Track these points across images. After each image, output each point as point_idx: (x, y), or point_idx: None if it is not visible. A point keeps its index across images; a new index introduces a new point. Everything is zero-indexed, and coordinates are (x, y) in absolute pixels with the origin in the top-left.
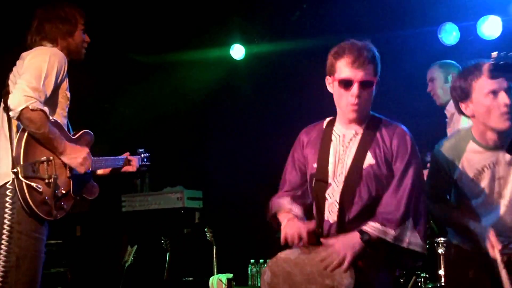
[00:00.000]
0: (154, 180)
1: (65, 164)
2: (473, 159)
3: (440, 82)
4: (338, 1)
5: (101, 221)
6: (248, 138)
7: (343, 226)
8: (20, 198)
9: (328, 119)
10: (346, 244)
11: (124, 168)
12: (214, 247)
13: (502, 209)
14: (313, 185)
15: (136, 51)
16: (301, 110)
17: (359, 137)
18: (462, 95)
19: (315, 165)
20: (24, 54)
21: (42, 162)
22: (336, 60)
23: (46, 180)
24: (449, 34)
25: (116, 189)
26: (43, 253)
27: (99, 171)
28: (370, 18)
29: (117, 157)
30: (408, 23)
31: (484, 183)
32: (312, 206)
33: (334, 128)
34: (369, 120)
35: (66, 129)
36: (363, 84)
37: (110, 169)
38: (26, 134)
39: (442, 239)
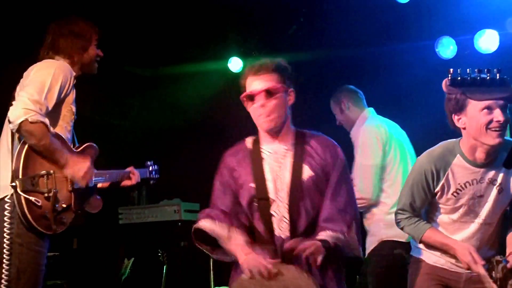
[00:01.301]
0: (151, 192)
1: (66, 178)
2: (457, 174)
3: (339, 114)
4: (335, 14)
5: (98, 233)
6: None
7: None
8: (19, 212)
9: (249, 138)
10: (314, 244)
11: (123, 183)
12: (211, 260)
13: (475, 228)
14: (255, 204)
15: (134, 64)
16: (298, 122)
17: (291, 152)
18: (456, 107)
19: (252, 185)
20: (31, 67)
21: (42, 175)
22: (244, 81)
23: (46, 194)
24: (446, 48)
25: (113, 202)
26: (44, 266)
27: (98, 184)
28: (367, 31)
29: (121, 170)
30: (405, 36)
31: (463, 200)
32: (250, 225)
33: (262, 146)
34: (296, 135)
35: (70, 143)
36: (267, 93)
37: (109, 182)
38: (26, 147)
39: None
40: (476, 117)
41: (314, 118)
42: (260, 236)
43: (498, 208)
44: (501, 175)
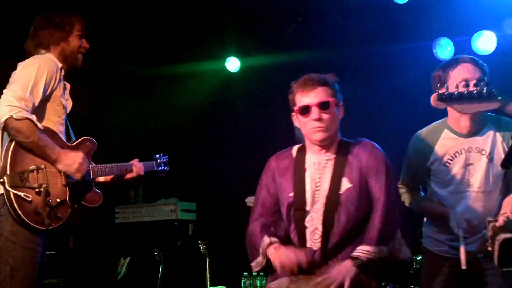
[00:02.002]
0: (148, 192)
1: (60, 172)
2: (447, 145)
3: None
4: (333, 15)
5: (94, 232)
6: (242, 151)
7: (326, 252)
8: (9, 208)
9: (296, 147)
10: (342, 270)
11: (127, 176)
12: (208, 260)
13: (471, 198)
14: (291, 214)
15: (132, 63)
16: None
17: (332, 162)
18: (439, 83)
19: (291, 194)
20: (18, 64)
21: (32, 171)
22: (293, 95)
23: (36, 189)
24: (444, 49)
25: (110, 201)
26: (39, 264)
27: (101, 179)
28: (365, 32)
29: (123, 164)
30: (403, 37)
31: (455, 169)
32: (287, 235)
33: (306, 156)
34: (339, 145)
35: (63, 137)
36: (321, 106)
37: (112, 176)
38: (13, 143)
39: None
40: (456, 88)
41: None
42: (293, 246)
43: (492, 176)
44: (488, 145)
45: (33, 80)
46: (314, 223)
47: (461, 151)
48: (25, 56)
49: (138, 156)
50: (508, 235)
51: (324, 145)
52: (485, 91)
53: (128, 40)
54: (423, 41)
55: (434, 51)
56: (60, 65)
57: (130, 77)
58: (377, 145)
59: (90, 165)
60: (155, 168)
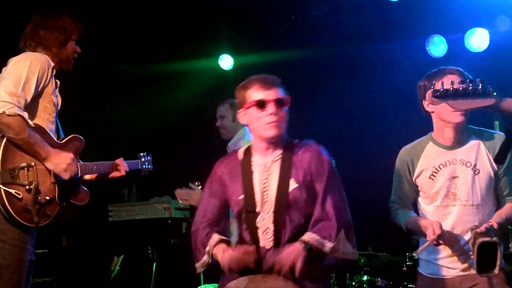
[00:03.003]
0: (141, 190)
1: (49, 170)
2: (431, 157)
3: (229, 121)
4: (326, 13)
5: (87, 230)
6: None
7: (279, 250)
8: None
9: (242, 149)
10: (293, 251)
11: (112, 174)
12: None
13: (458, 211)
14: (243, 216)
15: (125, 61)
16: (290, 120)
17: (278, 163)
18: (424, 93)
19: (241, 197)
20: (9, 60)
21: (22, 168)
22: (246, 90)
23: (27, 187)
24: (437, 46)
25: (103, 199)
26: (28, 263)
27: (86, 177)
28: (358, 30)
29: (108, 162)
30: (396, 35)
31: (440, 182)
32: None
33: (252, 158)
34: (285, 146)
35: (53, 135)
36: (277, 102)
37: (96, 174)
38: (4, 140)
39: None
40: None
41: (305, 116)
42: (246, 245)
43: (479, 189)
44: (473, 157)
45: (25, 76)
46: (265, 223)
47: (446, 163)
48: (14, 52)
49: (131, 154)
50: (485, 239)
51: (272, 143)
52: (480, 87)
53: (120, 38)
54: (417, 38)
55: (427, 48)
56: (52, 63)
57: (123, 75)
58: (322, 148)
59: (78, 163)
60: (139, 166)
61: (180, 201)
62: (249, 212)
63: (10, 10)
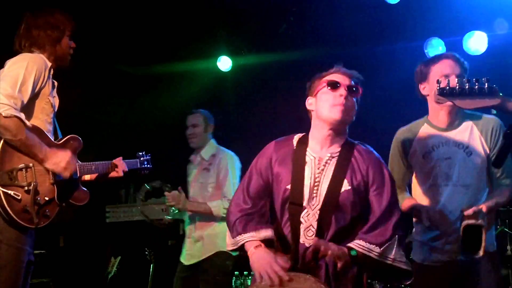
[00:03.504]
0: (139, 191)
1: (48, 170)
2: (424, 139)
3: (201, 130)
4: (325, 15)
5: (84, 231)
6: (234, 149)
7: (319, 249)
8: None
9: (297, 136)
10: (341, 248)
11: (111, 174)
12: None
13: (450, 191)
14: (286, 207)
15: (124, 62)
16: (288, 121)
17: (335, 160)
18: (421, 77)
19: (288, 187)
20: (6, 62)
21: (21, 169)
22: (321, 78)
23: (25, 188)
24: (435, 49)
25: (100, 200)
26: (25, 263)
27: (86, 177)
28: (357, 32)
29: (108, 162)
30: (394, 37)
31: (433, 162)
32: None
33: (308, 148)
34: (344, 144)
35: (51, 135)
36: (349, 88)
37: (96, 174)
38: (1, 142)
39: None
40: (436, 83)
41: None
42: (283, 240)
43: (471, 170)
44: (466, 139)
45: (21, 77)
46: (309, 219)
47: (439, 144)
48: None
49: (129, 154)
50: (471, 221)
51: (332, 135)
52: (486, 86)
53: (119, 39)
54: (415, 41)
55: (425, 51)
56: (49, 64)
57: (122, 76)
58: (380, 158)
59: (77, 164)
60: (138, 166)
61: (168, 204)
62: (294, 205)
63: (9, 10)
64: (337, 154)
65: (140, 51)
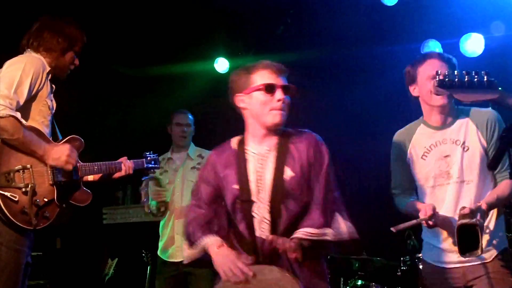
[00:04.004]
0: (136, 192)
1: (47, 171)
2: (421, 139)
3: (191, 130)
4: (322, 16)
5: (81, 233)
6: None
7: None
8: None
9: (235, 139)
10: (287, 241)
11: (116, 174)
12: None
13: (453, 189)
14: (237, 206)
15: (121, 64)
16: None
17: (274, 152)
18: (410, 79)
19: (236, 186)
20: (6, 62)
21: (18, 170)
22: (251, 73)
23: (23, 189)
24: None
25: (97, 202)
26: (24, 265)
27: (89, 178)
28: (354, 33)
29: (111, 162)
30: (391, 39)
31: (432, 162)
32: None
33: (247, 147)
34: (280, 134)
35: (49, 137)
36: (285, 89)
37: (100, 175)
38: None
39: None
40: (424, 84)
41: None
42: (241, 237)
43: (470, 165)
44: (462, 135)
45: (18, 79)
46: (261, 212)
47: (436, 143)
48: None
49: (127, 156)
50: (464, 221)
51: (270, 131)
52: (485, 80)
53: (117, 41)
54: (412, 43)
55: (422, 53)
56: (48, 68)
57: (119, 78)
58: (319, 136)
59: (78, 164)
60: (145, 165)
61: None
62: (244, 202)
63: (8, 11)
64: (275, 145)
65: (137, 53)
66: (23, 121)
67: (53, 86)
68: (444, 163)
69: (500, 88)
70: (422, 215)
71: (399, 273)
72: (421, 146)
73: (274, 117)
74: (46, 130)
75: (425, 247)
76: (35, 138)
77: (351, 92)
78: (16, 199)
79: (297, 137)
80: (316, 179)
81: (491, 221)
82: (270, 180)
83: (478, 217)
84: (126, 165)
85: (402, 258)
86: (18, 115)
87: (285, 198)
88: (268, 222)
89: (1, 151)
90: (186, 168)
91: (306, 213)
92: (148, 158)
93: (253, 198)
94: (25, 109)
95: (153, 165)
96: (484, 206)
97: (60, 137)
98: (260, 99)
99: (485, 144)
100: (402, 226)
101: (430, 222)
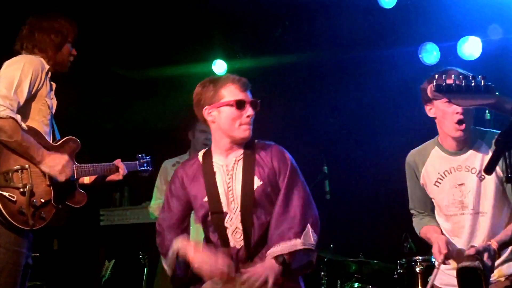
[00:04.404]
0: (133, 194)
1: (44, 172)
2: (435, 164)
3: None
4: (320, 19)
5: (78, 235)
6: None
7: (250, 249)
8: None
9: (201, 152)
10: (266, 268)
11: (110, 177)
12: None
13: (468, 220)
14: (209, 218)
15: (119, 65)
16: (283, 125)
17: (241, 162)
18: (426, 98)
19: (205, 199)
20: (4, 63)
21: (16, 170)
22: (219, 88)
23: (21, 189)
24: (430, 54)
25: (95, 203)
26: (22, 266)
27: (85, 179)
28: (352, 36)
29: (106, 164)
30: (389, 42)
31: (446, 190)
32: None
33: (213, 159)
34: (245, 146)
35: (48, 137)
36: (253, 105)
37: (95, 177)
38: None
39: (420, 257)
40: (439, 107)
41: (298, 121)
42: (216, 248)
43: (486, 195)
44: (478, 163)
45: (17, 79)
46: (233, 222)
47: (451, 169)
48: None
49: (124, 158)
50: (465, 264)
51: (237, 144)
52: (482, 84)
53: (115, 42)
54: (409, 46)
55: (420, 56)
56: (47, 66)
57: (117, 79)
58: (283, 148)
59: (74, 166)
60: (138, 168)
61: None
62: (216, 214)
63: (6, 12)
64: (241, 156)
65: (135, 55)
66: (23, 124)
67: (53, 84)
68: (458, 192)
69: (497, 93)
70: (436, 254)
71: (396, 276)
72: (435, 171)
73: (244, 132)
74: (45, 129)
75: (436, 272)
76: (33, 142)
77: (348, 94)
78: (14, 199)
79: (262, 147)
80: (282, 187)
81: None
82: (240, 190)
83: (486, 257)
84: (121, 168)
85: (398, 261)
86: (18, 117)
87: (255, 207)
88: (241, 232)
89: (0, 151)
90: None
91: (273, 224)
92: (141, 160)
93: (224, 209)
94: (24, 108)
95: (145, 168)
96: (494, 246)
97: (58, 137)
98: (229, 114)
99: (500, 173)
100: (431, 280)
101: (447, 262)
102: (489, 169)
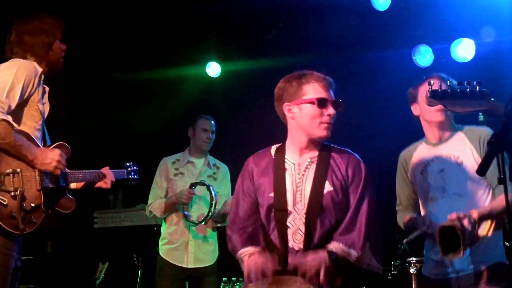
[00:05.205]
0: (127, 196)
1: (35, 177)
2: (421, 155)
3: (214, 137)
4: (314, 21)
5: (72, 237)
6: (222, 156)
7: (304, 253)
8: None
9: (275, 146)
10: (318, 258)
11: (98, 184)
12: None
13: (447, 203)
14: (271, 215)
15: (113, 68)
16: (277, 127)
17: (314, 165)
18: (411, 99)
19: (271, 195)
20: None
21: (8, 174)
22: (303, 84)
23: (12, 193)
24: (423, 56)
25: (88, 205)
26: (12, 270)
27: (73, 185)
28: (345, 39)
29: (95, 170)
30: (383, 44)
31: (430, 177)
32: (267, 235)
33: (286, 156)
34: (321, 148)
35: (39, 142)
36: (335, 104)
37: (83, 183)
38: None
39: (414, 259)
40: (423, 104)
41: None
42: (274, 246)
43: (464, 178)
44: (458, 150)
45: (10, 83)
46: (296, 223)
47: (434, 158)
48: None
49: (117, 160)
50: (446, 223)
51: (314, 143)
52: (477, 90)
53: (109, 45)
54: (403, 48)
55: (413, 58)
56: (40, 70)
57: (110, 82)
58: (359, 158)
59: (65, 171)
60: (125, 176)
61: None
62: (279, 211)
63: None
64: (316, 158)
65: (128, 57)
66: (15, 125)
67: (47, 88)
68: (439, 178)
69: (492, 99)
70: (420, 223)
71: (390, 277)
72: (421, 162)
73: (323, 130)
74: (36, 135)
75: (425, 262)
76: (25, 142)
77: (342, 97)
78: (5, 203)
79: (338, 153)
80: (353, 197)
81: (489, 232)
82: (309, 192)
83: (466, 222)
84: (109, 176)
85: (392, 262)
86: (10, 118)
87: (322, 211)
88: (302, 234)
89: None
90: (204, 175)
91: (338, 228)
92: (129, 169)
93: (289, 208)
94: (16, 113)
95: (132, 176)
96: (474, 215)
97: (49, 143)
98: (310, 112)
99: (478, 159)
100: (411, 237)
101: (429, 231)
102: (482, 170)
